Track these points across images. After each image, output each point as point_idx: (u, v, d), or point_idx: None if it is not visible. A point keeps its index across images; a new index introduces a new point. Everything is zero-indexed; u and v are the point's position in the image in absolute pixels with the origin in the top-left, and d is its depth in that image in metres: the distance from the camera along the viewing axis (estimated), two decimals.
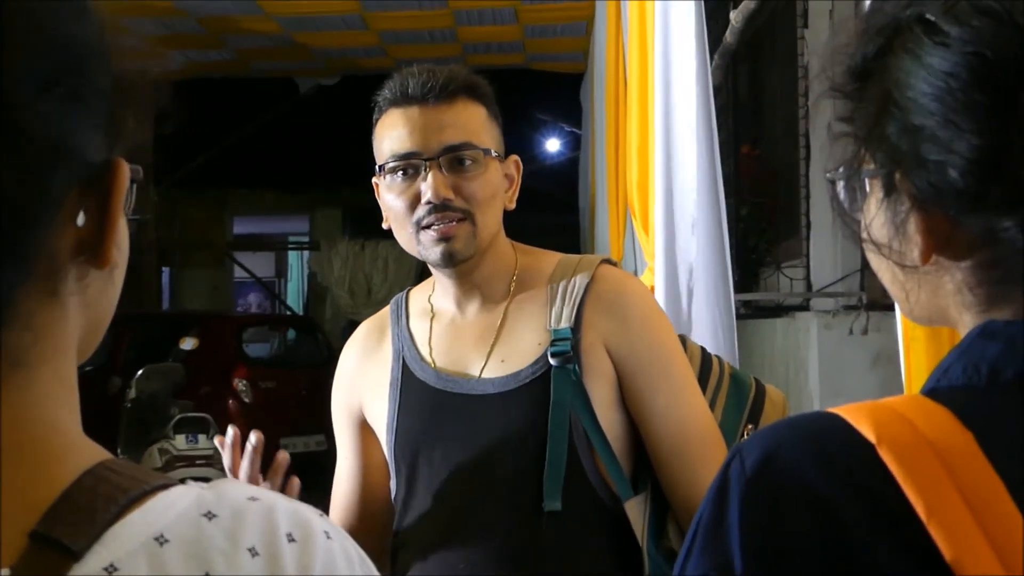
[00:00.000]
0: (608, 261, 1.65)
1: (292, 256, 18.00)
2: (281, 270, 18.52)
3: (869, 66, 0.76)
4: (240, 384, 9.36)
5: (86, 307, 0.64)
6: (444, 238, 1.55)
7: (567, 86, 10.33)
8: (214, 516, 0.59)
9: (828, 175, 0.80)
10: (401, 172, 1.57)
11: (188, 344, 8.93)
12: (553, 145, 15.42)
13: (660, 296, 2.97)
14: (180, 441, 6.98)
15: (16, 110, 0.57)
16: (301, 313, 15.53)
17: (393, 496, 1.66)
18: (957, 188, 0.70)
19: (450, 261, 1.57)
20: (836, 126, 0.79)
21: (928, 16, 0.72)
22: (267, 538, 0.60)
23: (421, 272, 1.70)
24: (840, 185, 0.79)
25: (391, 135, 1.57)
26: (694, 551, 0.71)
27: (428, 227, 1.56)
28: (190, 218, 15.37)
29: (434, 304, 1.67)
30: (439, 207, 1.54)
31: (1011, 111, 0.67)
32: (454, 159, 1.55)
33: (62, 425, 0.62)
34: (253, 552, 0.59)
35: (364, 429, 1.71)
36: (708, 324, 2.78)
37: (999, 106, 0.68)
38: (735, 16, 5.19)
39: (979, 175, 0.69)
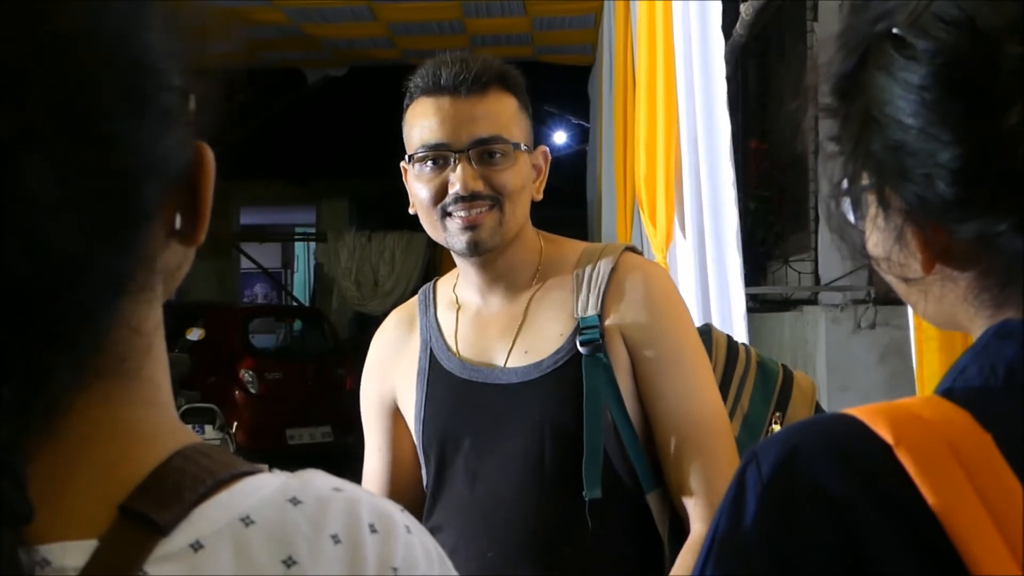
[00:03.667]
0: (631, 249, 1.65)
1: (299, 247, 18.00)
2: (288, 261, 18.54)
3: (847, 85, 0.76)
4: (246, 375, 9.39)
5: (167, 280, 0.66)
6: (470, 226, 1.55)
7: (575, 79, 10.30)
8: (299, 502, 0.61)
9: (829, 195, 0.80)
10: (431, 162, 1.57)
11: (194, 335, 8.94)
12: (560, 138, 15.39)
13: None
14: None
15: (113, 136, 0.57)
16: (307, 304, 15.53)
17: (424, 486, 1.66)
18: (945, 199, 0.70)
19: (475, 250, 1.57)
20: (828, 146, 0.79)
21: (896, 31, 0.72)
22: (350, 527, 0.61)
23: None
24: (845, 203, 0.80)
25: (421, 124, 1.58)
26: (711, 558, 0.70)
27: (454, 214, 1.56)
28: None
29: (459, 295, 1.68)
30: (467, 198, 1.55)
31: (985, 116, 0.67)
32: (484, 152, 1.56)
33: (156, 407, 0.63)
34: (336, 539, 0.60)
35: (397, 419, 1.71)
36: (719, 317, 2.77)
37: (974, 113, 0.68)
38: (744, 9, 5.17)
39: (964, 183, 0.69)
